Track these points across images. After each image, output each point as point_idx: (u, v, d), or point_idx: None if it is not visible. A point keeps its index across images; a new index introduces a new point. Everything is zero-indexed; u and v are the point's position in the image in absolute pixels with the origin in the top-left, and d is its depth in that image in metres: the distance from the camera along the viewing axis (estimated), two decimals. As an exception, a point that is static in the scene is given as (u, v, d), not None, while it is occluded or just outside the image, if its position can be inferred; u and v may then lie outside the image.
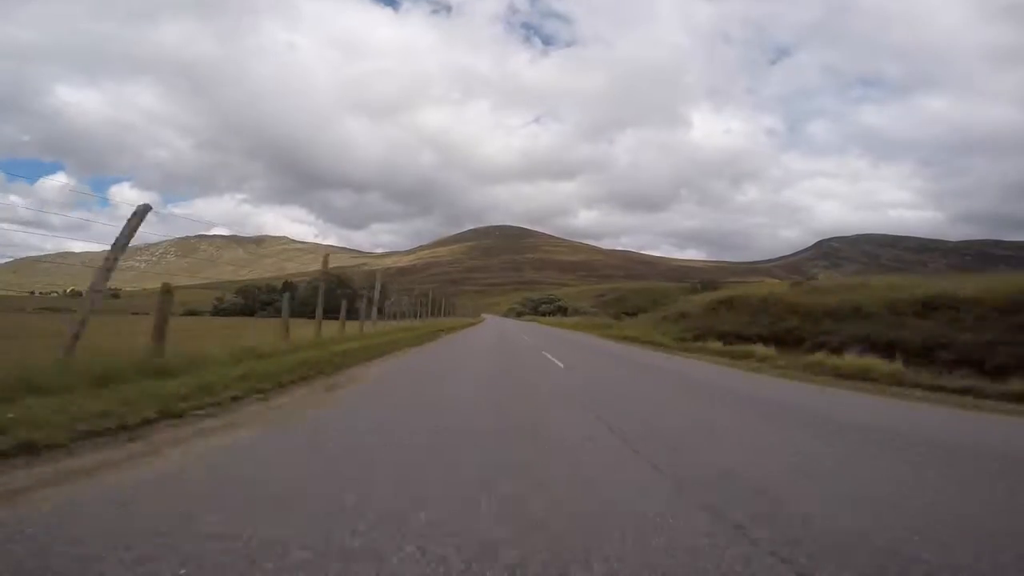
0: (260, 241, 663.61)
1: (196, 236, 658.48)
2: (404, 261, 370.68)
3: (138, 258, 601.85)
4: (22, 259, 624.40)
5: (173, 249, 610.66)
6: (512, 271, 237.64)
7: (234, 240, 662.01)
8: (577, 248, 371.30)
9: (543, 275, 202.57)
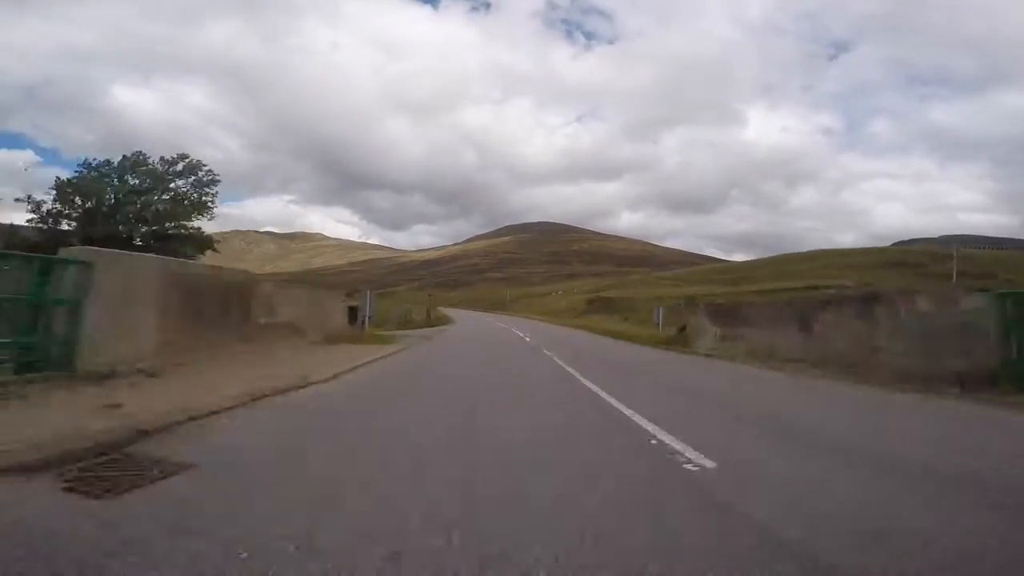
0: (293, 237, 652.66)
1: (231, 230, 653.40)
2: (433, 255, 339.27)
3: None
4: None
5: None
6: (556, 264, 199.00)
7: (267, 235, 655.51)
8: (630, 242, 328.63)
9: (594, 269, 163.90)
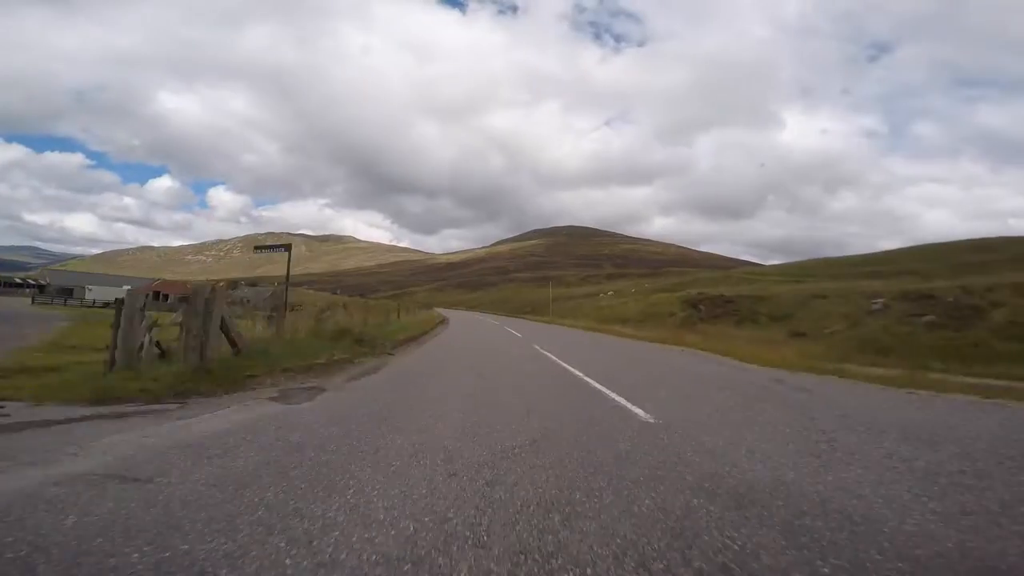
0: (325, 239, 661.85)
1: (264, 233, 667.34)
2: (459, 258, 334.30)
3: (207, 253, 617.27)
4: (109, 251, 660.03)
5: (240, 245, 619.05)
6: (587, 267, 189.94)
7: (300, 237, 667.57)
8: (664, 246, 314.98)
9: (630, 272, 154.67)
